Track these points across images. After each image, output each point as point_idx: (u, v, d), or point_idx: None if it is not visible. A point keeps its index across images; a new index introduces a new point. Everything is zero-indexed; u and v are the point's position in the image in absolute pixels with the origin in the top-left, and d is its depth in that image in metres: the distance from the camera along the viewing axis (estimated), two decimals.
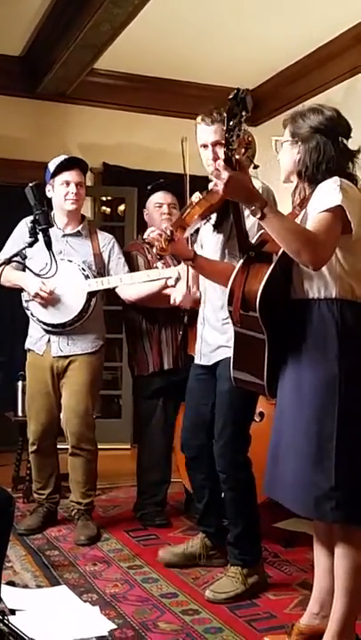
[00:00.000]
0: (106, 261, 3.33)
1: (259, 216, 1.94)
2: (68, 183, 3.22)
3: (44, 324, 3.21)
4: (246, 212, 2.51)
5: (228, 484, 2.66)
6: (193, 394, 2.84)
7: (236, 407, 2.61)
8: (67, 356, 3.24)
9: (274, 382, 2.13)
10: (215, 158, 2.61)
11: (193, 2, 4.14)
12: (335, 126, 2.08)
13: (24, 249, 2.57)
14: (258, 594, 2.61)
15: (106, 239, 3.39)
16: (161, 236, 2.46)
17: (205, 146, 2.66)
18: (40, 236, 2.39)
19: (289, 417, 2.08)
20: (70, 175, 3.21)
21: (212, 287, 2.69)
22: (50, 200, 3.22)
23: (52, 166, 3.25)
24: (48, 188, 3.23)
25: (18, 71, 5.03)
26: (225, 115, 1.90)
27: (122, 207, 5.68)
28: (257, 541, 2.71)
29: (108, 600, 2.56)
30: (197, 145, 2.69)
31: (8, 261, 2.50)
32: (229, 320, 2.54)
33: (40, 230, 2.37)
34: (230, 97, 1.88)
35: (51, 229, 3.24)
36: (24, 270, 3.14)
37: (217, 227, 2.63)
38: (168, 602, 2.55)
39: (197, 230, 2.72)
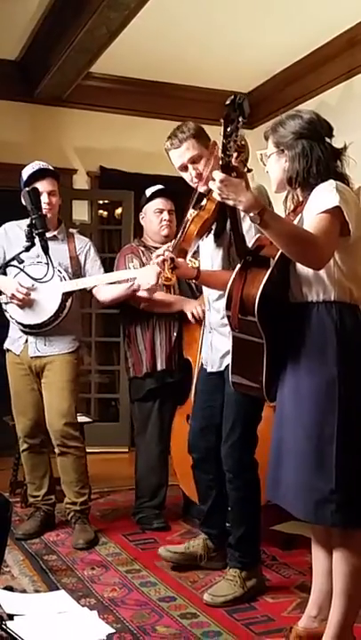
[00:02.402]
0: (82, 264, 3.36)
1: (258, 222, 1.92)
2: (40, 193, 3.24)
3: (22, 324, 3.25)
4: (245, 223, 2.52)
5: (234, 484, 2.66)
6: (201, 396, 2.85)
7: (243, 409, 2.61)
8: (43, 357, 3.27)
9: (272, 386, 2.13)
10: (198, 175, 2.62)
11: (188, 6, 4.15)
12: (317, 128, 2.09)
13: (20, 253, 2.58)
14: (256, 597, 2.61)
15: (82, 242, 3.42)
16: (164, 264, 2.45)
17: (184, 167, 2.66)
18: (37, 240, 2.40)
19: (289, 421, 2.08)
20: (42, 185, 3.22)
21: (216, 294, 2.70)
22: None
23: (24, 175, 3.27)
24: (24, 194, 3.25)
25: (14, 75, 5.03)
26: (221, 121, 1.89)
27: (119, 210, 5.68)
28: (257, 544, 2.71)
29: (106, 604, 2.56)
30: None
31: (5, 266, 2.50)
32: None
33: (37, 234, 2.38)
34: (227, 103, 1.88)
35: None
36: (4, 274, 3.16)
37: (218, 236, 2.63)
38: (166, 606, 2.55)
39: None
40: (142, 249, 3.49)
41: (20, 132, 5.14)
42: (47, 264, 2.45)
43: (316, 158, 2.05)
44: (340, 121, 2.17)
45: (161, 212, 3.48)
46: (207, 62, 4.91)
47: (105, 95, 5.26)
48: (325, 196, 1.98)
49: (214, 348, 2.75)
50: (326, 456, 1.98)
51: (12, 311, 3.26)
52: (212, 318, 2.76)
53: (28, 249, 2.44)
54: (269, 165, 2.15)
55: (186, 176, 2.68)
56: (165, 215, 3.47)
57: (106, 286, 3.29)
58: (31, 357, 3.28)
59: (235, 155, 2.00)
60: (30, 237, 2.37)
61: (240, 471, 2.65)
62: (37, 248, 3.19)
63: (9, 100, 5.10)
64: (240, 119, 1.90)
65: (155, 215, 3.49)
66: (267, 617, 2.46)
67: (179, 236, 2.56)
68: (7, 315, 3.30)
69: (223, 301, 2.57)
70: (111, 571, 2.90)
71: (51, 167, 3.37)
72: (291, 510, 2.10)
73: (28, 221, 3.24)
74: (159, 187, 3.55)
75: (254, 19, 4.30)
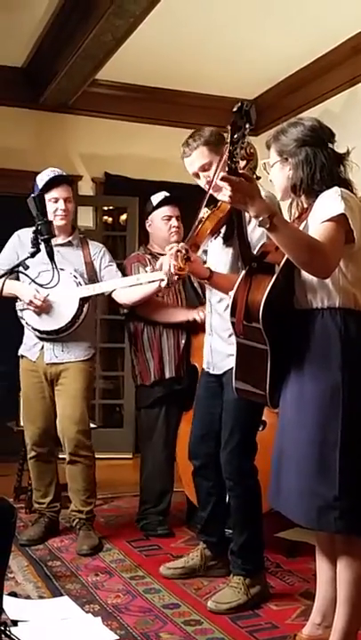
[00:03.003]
0: (97, 269, 3.36)
1: (268, 226, 1.92)
2: (56, 200, 3.26)
3: (38, 331, 3.25)
4: (251, 225, 2.53)
5: (235, 491, 2.66)
6: (202, 402, 2.86)
7: (242, 415, 2.62)
8: (60, 364, 3.26)
9: (276, 393, 2.13)
10: (208, 182, 2.63)
11: (193, 14, 4.17)
12: (319, 134, 2.10)
13: (26, 259, 2.59)
14: (260, 604, 2.60)
15: (96, 248, 3.43)
16: (177, 255, 2.46)
17: (197, 175, 2.68)
18: (42, 247, 2.41)
19: (292, 427, 2.08)
20: (58, 192, 3.25)
21: (218, 298, 2.70)
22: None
23: (40, 183, 3.27)
24: (30, 201, 3.24)
25: (20, 82, 5.06)
26: (229, 127, 1.90)
27: (123, 217, 5.70)
28: (260, 551, 2.71)
29: (110, 611, 2.56)
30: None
31: (10, 272, 2.51)
32: None
33: (42, 240, 2.39)
34: (234, 110, 1.88)
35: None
36: (17, 279, 3.17)
37: (227, 239, 2.64)
38: (170, 612, 2.54)
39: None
40: (148, 257, 3.50)
41: (25, 138, 5.17)
42: (53, 269, 2.45)
43: (319, 165, 2.05)
44: (344, 128, 2.18)
45: (169, 219, 3.48)
46: (212, 70, 4.93)
47: (110, 102, 5.29)
48: (330, 203, 1.98)
49: (214, 350, 2.75)
50: (330, 462, 1.97)
51: (29, 317, 3.25)
52: (213, 321, 2.76)
53: (33, 255, 2.44)
54: (273, 174, 2.16)
55: (199, 182, 2.69)
56: (174, 222, 3.48)
57: (123, 290, 3.27)
58: (47, 364, 3.26)
59: (242, 163, 2.00)
60: (36, 244, 2.37)
61: (240, 478, 2.65)
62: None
63: (15, 107, 5.13)
64: (247, 126, 1.90)
65: (163, 222, 3.49)
66: (271, 624, 2.45)
67: (192, 231, 2.56)
68: (23, 321, 3.30)
69: (225, 304, 2.59)
70: (115, 577, 2.89)
71: (65, 174, 3.37)
72: (292, 517, 2.09)
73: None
74: (165, 194, 3.54)
75: (258, 26, 4.32)
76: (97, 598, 2.67)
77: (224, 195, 1.98)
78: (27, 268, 2.98)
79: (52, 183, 3.24)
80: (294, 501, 2.05)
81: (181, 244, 2.51)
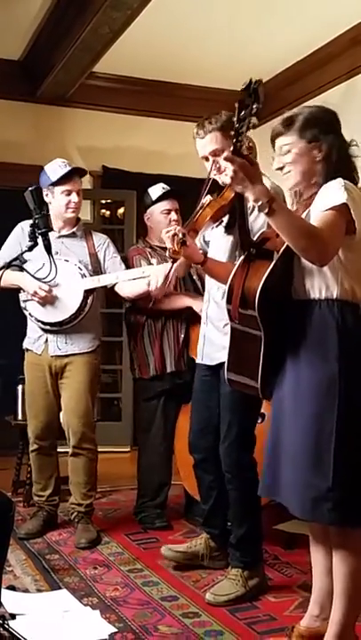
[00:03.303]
0: (102, 261, 3.35)
1: (266, 211, 1.91)
2: (69, 192, 3.25)
3: (42, 322, 3.24)
4: (253, 215, 2.51)
5: (234, 484, 2.67)
6: (199, 396, 2.86)
7: (240, 408, 2.62)
8: (65, 356, 3.25)
9: (268, 383, 2.12)
10: (218, 168, 2.62)
11: (190, 6, 4.15)
12: (337, 119, 2.13)
13: (23, 253, 2.58)
14: (258, 596, 2.61)
15: (101, 239, 3.41)
16: (174, 238, 2.45)
17: (206, 158, 2.67)
18: (40, 240, 2.40)
19: (287, 417, 2.08)
20: (71, 184, 3.24)
21: (217, 287, 2.69)
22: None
23: (51, 174, 3.24)
24: (46, 192, 3.24)
25: (17, 75, 5.03)
26: (236, 105, 1.86)
27: (121, 210, 5.68)
28: (259, 543, 2.72)
29: (108, 604, 2.56)
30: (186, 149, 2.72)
31: (8, 265, 2.50)
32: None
33: (39, 234, 2.38)
34: (242, 87, 1.85)
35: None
36: (21, 270, 3.15)
37: (228, 228, 2.63)
38: (168, 605, 2.55)
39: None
40: (149, 250, 3.49)
41: (22, 131, 5.15)
42: (51, 262, 2.44)
43: (344, 152, 2.08)
44: (343, 120, 2.16)
45: (168, 212, 3.47)
46: (209, 61, 4.90)
47: (108, 95, 5.26)
48: (333, 193, 1.98)
49: (208, 340, 2.75)
50: (324, 453, 1.97)
51: (33, 309, 3.23)
52: (210, 311, 2.75)
53: (30, 248, 2.44)
54: (294, 158, 2.08)
55: (207, 165, 2.68)
56: (173, 215, 3.46)
57: (127, 282, 3.25)
58: (52, 356, 3.26)
59: (246, 143, 1.96)
60: (33, 237, 2.37)
61: (238, 471, 2.65)
62: (55, 246, 3.21)
63: (12, 100, 5.10)
64: (254, 105, 1.86)
65: (162, 216, 3.48)
66: (269, 616, 2.46)
67: (192, 217, 2.55)
68: (26, 312, 3.29)
69: (222, 292, 2.59)
70: (113, 570, 2.90)
71: (77, 166, 3.37)
72: (289, 507, 2.10)
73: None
74: (163, 186, 3.53)
75: (256, 18, 4.30)
76: (95, 591, 2.68)
77: (226, 175, 1.95)
78: (24, 261, 2.98)
79: (67, 175, 3.22)
80: (289, 492, 2.06)
81: (179, 227, 2.50)
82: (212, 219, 2.55)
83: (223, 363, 2.63)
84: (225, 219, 2.62)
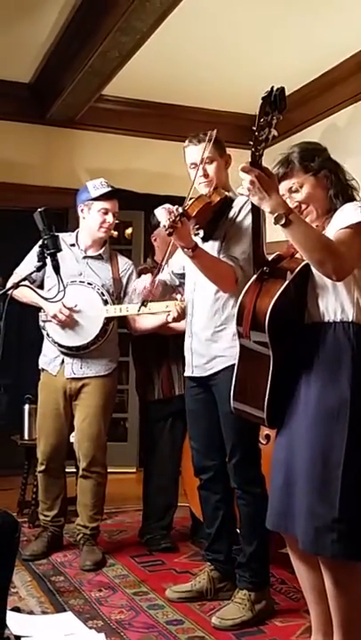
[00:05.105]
0: (124, 286, 3.35)
1: (283, 222, 1.90)
2: (106, 212, 3.27)
3: (60, 345, 3.23)
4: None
5: (244, 499, 2.66)
6: (196, 417, 2.82)
7: (243, 426, 2.58)
8: (80, 378, 3.25)
9: (275, 411, 2.07)
10: (205, 174, 2.66)
11: (197, 30, 4.20)
12: (323, 147, 2.18)
13: (32, 273, 2.60)
14: (265, 620, 2.58)
15: (126, 265, 3.41)
16: (171, 211, 2.46)
17: (195, 165, 2.69)
18: (48, 260, 2.42)
19: (298, 443, 2.03)
20: (110, 204, 3.27)
21: (200, 297, 2.70)
22: (61, 215, 3.25)
23: (93, 191, 3.27)
24: (82, 207, 3.27)
25: (27, 97, 5.09)
26: (256, 113, 1.86)
27: (129, 230, 5.72)
28: (267, 564, 2.69)
29: (113, 627, 2.54)
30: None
31: (16, 286, 2.51)
32: (222, 327, 2.54)
33: (48, 254, 2.40)
34: (263, 95, 1.86)
35: (72, 249, 3.30)
36: (41, 288, 3.16)
37: (206, 239, 2.65)
38: (174, 629, 2.52)
39: None
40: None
41: (32, 153, 5.20)
42: (59, 283, 2.46)
43: (342, 170, 2.12)
44: (350, 142, 2.19)
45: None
46: (216, 85, 4.96)
47: (116, 117, 5.32)
48: (350, 213, 1.99)
49: (196, 352, 2.73)
50: (331, 481, 1.92)
51: (52, 331, 3.23)
52: (194, 325, 2.74)
53: (39, 269, 2.46)
54: (308, 193, 2.10)
55: (194, 174, 2.69)
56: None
57: (147, 316, 3.23)
58: (67, 379, 3.25)
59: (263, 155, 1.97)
60: (42, 258, 2.38)
61: (248, 486, 2.65)
62: (79, 266, 3.21)
63: (22, 122, 5.16)
64: (275, 113, 1.86)
65: (168, 237, 3.48)
66: None
67: (183, 204, 2.52)
68: (44, 332, 3.29)
69: (209, 303, 2.59)
70: (119, 593, 2.87)
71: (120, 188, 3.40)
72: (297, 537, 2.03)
73: (67, 236, 3.29)
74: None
75: (263, 42, 4.35)
76: (100, 614, 2.65)
77: (242, 187, 1.95)
78: (33, 282, 3.01)
79: (108, 194, 3.24)
80: (296, 521, 2.00)
81: (176, 206, 2.51)
82: (199, 214, 2.54)
83: (216, 373, 2.63)
84: (203, 229, 2.62)
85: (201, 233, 2.64)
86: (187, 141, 2.74)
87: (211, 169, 2.69)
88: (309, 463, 1.97)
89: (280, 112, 1.87)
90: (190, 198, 2.57)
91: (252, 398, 2.11)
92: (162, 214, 2.46)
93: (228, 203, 2.66)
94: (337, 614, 1.99)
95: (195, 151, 2.70)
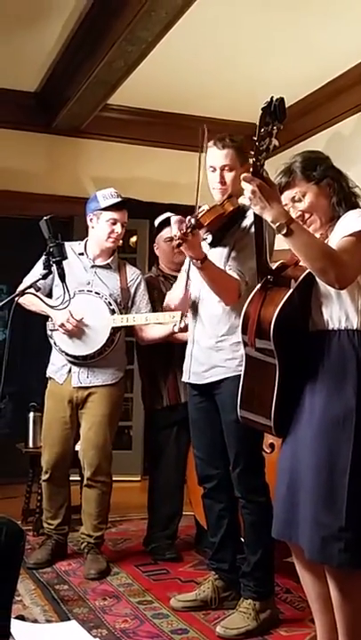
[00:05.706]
0: (131, 296, 3.35)
1: (284, 232, 1.90)
2: (115, 222, 3.27)
3: (67, 354, 3.23)
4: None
5: (248, 508, 2.65)
6: (199, 425, 2.82)
7: (246, 434, 2.59)
8: (86, 387, 3.25)
9: (281, 418, 2.07)
10: (222, 182, 2.65)
11: (202, 40, 4.22)
12: (324, 155, 2.18)
13: (37, 281, 2.61)
14: (270, 630, 2.57)
15: (134, 274, 3.41)
16: (182, 222, 2.46)
17: (214, 169, 2.68)
18: (54, 268, 2.43)
19: (304, 451, 2.02)
20: (120, 215, 3.27)
21: (205, 306, 2.69)
22: (66, 224, 3.24)
23: (102, 200, 3.27)
24: (91, 217, 3.28)
25: (33, 106, 5.13)
26: (257, 123, 1.87)
27: (133, 239, 5.73)
28: (272, 573, 2.68)
29: (117, 635, 2.53)
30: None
31: (22, 293, 2.52)
32: (225, 337, 2.54)
33: (54, 262, 2.41)
34: (263, 106, 1.87)
35: (80, 258, 3.31)
36: (50, 297, 3.17)
37: (214, 245, 2.64)
38: (178, 638, 2.52)
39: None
40: (162, 279, 3.51)
41: (38, 161, 5.23)
42: (64, 291, 2.46)
43: (345, 178, 2.12)
44: (354, 151, 2.20)
45: (172, 239, 3.49)
46: (221, 94, 4.98)
47: (122, 126, 5.35)
48: (353, 221, 1.99)
49: (196, 360, 2.73)
50: (338, 489, 1.91)
51: (59, 339, 3.24)
52: (197, 332, 2.74)
53: (45, 277, 2.47)
54: (311, 202, 2.10)
55: (211, 177, 2.68)
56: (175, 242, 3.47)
57: (154, 326, 3.23)
58: (74, 387, 3.25)
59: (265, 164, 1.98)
60: (48, 265, 2.40)
61: (252, 495, 2.64)
62: (88, 275, 3.22)
63: (28, 131, 5.19)
64: (275, 123, 1.87)
65: (166, 244, 3.50)
66: None
67: (195, 213, 2.53)
68: (52, 341, 3.29)
69: (212, 311, 2.58)
70: (123, 601, 2.87)
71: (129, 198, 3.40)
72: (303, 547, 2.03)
73: (75, 244, 3.30)
74: (166, 215, 3.54)
75: (268, 52, 4.37)
76: (104, 623, 2.65)
77: (244, 197, 1.96)
78: (38, 289, 3.02)
79: (117, 204, 3.25)
80: (302, 530, 1.99)
81: (189, 216, 2.50)
82: (212, 223, 2.54)
83: (217, 383, 2.63)
84: (210, 237, 2.61)
85: (209, 238, 2.64)
86: (211, 142, 2.69)
87: (229, 177, 2.66)
88: (315, 472, 1.97)
89: (280, 122, 1.88)
90: (199, 206, 2.57)
91: (258, 407, 2.10)
92: (174, 224, 2.46)
93: (242, 212, 2.66)
94: (342, 623, 1.98)
95: (217, 155, 2.67)
